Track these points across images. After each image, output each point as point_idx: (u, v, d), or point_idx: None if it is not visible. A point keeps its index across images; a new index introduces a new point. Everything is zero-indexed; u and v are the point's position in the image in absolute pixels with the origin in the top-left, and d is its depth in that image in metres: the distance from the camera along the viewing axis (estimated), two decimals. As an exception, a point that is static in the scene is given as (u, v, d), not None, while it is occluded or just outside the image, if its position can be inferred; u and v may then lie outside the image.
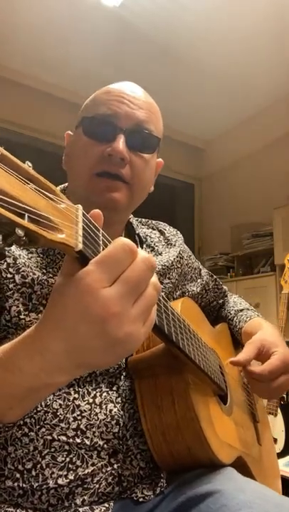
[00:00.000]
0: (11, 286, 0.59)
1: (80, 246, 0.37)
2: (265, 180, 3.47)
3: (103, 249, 0.40)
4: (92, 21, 2.67)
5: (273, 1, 2.48)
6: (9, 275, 0.60)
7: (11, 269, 0.60)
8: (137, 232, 0.82)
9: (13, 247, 0.61)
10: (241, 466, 0.71)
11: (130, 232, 0.81)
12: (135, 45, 2.87)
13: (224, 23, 2.64)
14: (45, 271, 0.63)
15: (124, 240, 0.40)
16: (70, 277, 0.39)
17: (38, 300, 0.61)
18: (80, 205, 0.41)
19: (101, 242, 0.41)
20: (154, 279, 0.42)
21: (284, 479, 0.94)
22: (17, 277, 0.60)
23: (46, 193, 0.36)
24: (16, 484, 0.56)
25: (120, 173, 0.67)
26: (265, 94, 3.37)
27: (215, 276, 1.01)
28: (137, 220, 0.88)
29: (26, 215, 0.32)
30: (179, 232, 0.93)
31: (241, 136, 3.78)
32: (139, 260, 0.40)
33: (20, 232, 0.31)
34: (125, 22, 2.66)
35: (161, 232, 0.89)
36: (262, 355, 0.77)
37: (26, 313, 0.60)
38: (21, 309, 0.60)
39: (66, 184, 0.78)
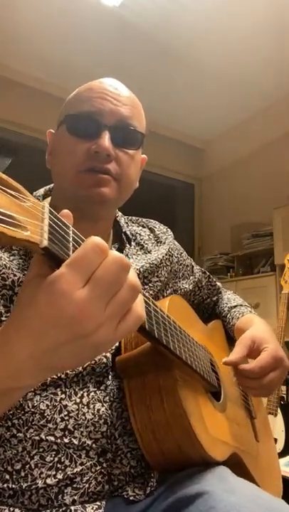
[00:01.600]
0: None
1: (45, 242, 0.35)
2: (265, 180, 3.47)
3: (73, 245, 0.39)
4: (92, 21, 2.67)
5: (273, 0, 2.48)
6: None
7: None
8: (124, 230, 0.81)
9: None
10: (237, 464, 0.71)
11: (117, 231, 0.81)
12: (135, 45, 2.87)
13: (224, 23, 2.64)
14: (26, 272, 0.63)
15: (94, 240, 0.38)
16: (40, 279, 0.38)
17: None
18: (46, 203, 0.40)
19: (71, 239, 0.40)
20: (132, 278, 0.40)
21: (284, 479, 0.94)
22: None
23: (10, 192, 0.35)
24: (5, 485, 0.56)
25: (107, 169, 0.67)
26: (265, 94, 3.37)
27: (208, 273, 1.00)
28: (127, 217, 0.87)
29: None
30: (169, 229, 0.92)
31: (241, 136, 3.78)
32: (111, 261, 0.38)
33: None
34: (125, 22, 2.66)
35: (151, 230, 0.88)
36: (253, 351, 0.77)
37: (8, 314, 0.59)
38: (2, 311, 0.59)
39: (51, 185, 0.78)
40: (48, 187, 0.79)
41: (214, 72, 3.11)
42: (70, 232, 0.41)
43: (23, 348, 0.38)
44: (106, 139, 0.66)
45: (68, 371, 0.60)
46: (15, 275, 0.61)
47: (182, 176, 4.24)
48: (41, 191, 0.78)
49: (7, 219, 0.33)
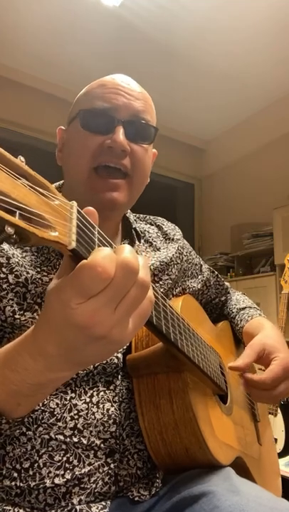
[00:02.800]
0: (4, 286, 0.59)
1: (74, 244, 0.35)
2: (265, 180, 3.47)
3: (98, 246, 0.40)
4: (92, 21, 2.67)
5: (273, 1, 2.48)
6: (2, 275, 0.59)
7: (4, 269, 0.60)
8: (134, 226, 0.81)
9: (6, 247, 0.61)
10: (240, 466, 0.71)
11: (127, 227, 0.80)
12: (135, 45, 2.87)
13: (224, 23, 2.64)
14: (39, 269, 0.63)
15: (96, 263, 0.36)
16: (57, 283, 0.39)
17: (32, 299, 0.61)
18: (74, 202, 0.39)
19: (96, 240, 0.40)
20: (142, 276, 0.40)
21: (284, 479, 0.94)
22: (10, 277, 0.60)
23: (39, 189, 0.35)
24: (13, 483, 0.56)
25: (120, 166, 0.67)
26: (265, 94, 3.37)
27: (216, 273, 0.99)
28: (135, 215, 0.87)
29: (17, 212, 0.30)
30: (177, 227, 0.92)
31: (241, 136, 3.78)
32: (119, 267, 0.38)
33: (10, 229, 0.30)
34: (125, 22, 2.66)
35: (159, 228, 0.88)
36: (262, 359, 0.75)
37: (21, 312, 0.60)
38: (16, 309, 0.60)
39: (62, 182, 0.77)
40: (57, 184, 0.78)
41: (214, 72, 3.11)
42: (96, 233, 0.41)
43: (50, 346, 0.41)
44: (120, 134, 0.65)
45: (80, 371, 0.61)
46: (28, 273, 0.61)
47: (182, 176, 4.24)
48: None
49: (37, 219, 0.32)
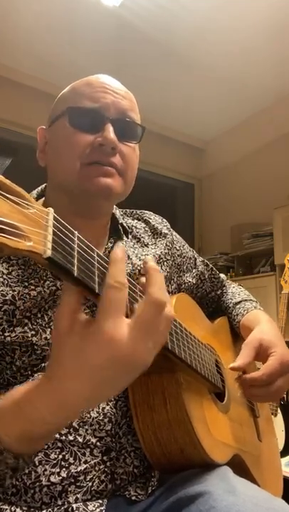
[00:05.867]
0: None
1: (49, 252, 0.34)
2: (265, 180, 3.47)
3: (78, 253, 0.39)
4: (92, 21, 2.67)
5: (273, 1, 2.48)
6: None
7: None
8: (120, 221, 0.80)
9: None
10: (238, 464, 0.71)
11: (113, 223, 0.79)
12: (135, 45, 2.86)
13: (224, 23, 2.64)
14: (26, 283, 0.62)
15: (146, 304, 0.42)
16: (79, 327, 0.41)
17: (22, 314, 0.60)
18: (51, 209, 0.38)
19: (76, 246, 0.39)
20: (169, 311, 0.44)
21: (284, 479, 0.94)
22: None
23: (12, 198, 0.34)
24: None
25: (111, 164, 0.66)
26: (265, 94, 3.37)
27: (211, 266, 0.98)
28: (121, 210, 0.86)
29: None
30: (164, 219, 0.91)
31: (241, 136, 3.78)
32: (148, 302, 0.42)
33: None
34: (125, 22, 2.66)
35: (147, 222, 0.87)
36: (260, 354, 0.75)
37: (11, 329, 0.60)
38: (5, 326, 0.59)
39: (44, 185, 0.76)
40: (39, 188, 0.77)
41: (214, 72, 3.11)
42: (75, 239, 0.40)
43: (79, 396, 0.41)
44: (110, 131, 0.65)
45: None
46: (14, 290, 0.61)
47: (182, 176, 4.24)
48: (34, 194, 0.76)
49: (9, 228, 0.31)
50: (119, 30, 2.73)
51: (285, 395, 2.07)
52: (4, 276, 0.62)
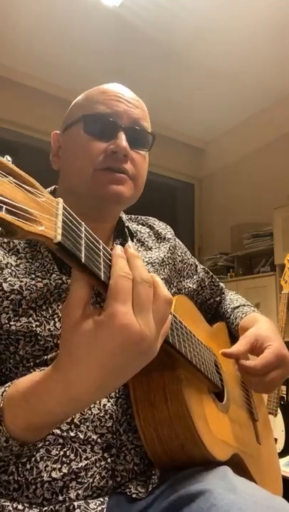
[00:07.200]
0: None
1: (59, 238, 0.36)
2: (265, 180, 3.47)
3: (85, 242, 0.41)
4: (92, 21, 2.67)
5: (273, 1, 2.48)
6: None
7: None
8: (126, 225, 0.82)
9: (0, 256, 0.63)
10: (238, 464, 0.71)
11: (119, 226, 0.82)
12: (135, 45, 2.87)
13: (225, 23, 2.64)
14: (33, 275, 0.64)
15: (121, 270, 0.43)
16: (87, 317, 0.42)
17: (27, 304, 0.62)
18: (60, 199, 0.41)
19: (83, 236, 0.41)
20: (163, 291, 0.45)
21: (284, 479, 0.94)
22: (5, 285, 0.61)
23: (25, 187, 0.36)
24: (11, 478, 0.57)
25: (123, 170, 0.69)
26: (265, 94, 3.37)
27: (211, 273, 1.01)
28: (127, 216, 0.88)
29: (4, 207, 0.32)
30: (168, 226, 0.93)
31: (241, 136, 3.78)
32: (146, 285, 0.43)
33: None
34: (125, 22, 2.66)
35: (151, 227, 0.89)
36: (256, 349, 0.77)
37: (16, 318, 0.61)
38: (11, 315, 0.61)
39: (54, 187, 0.79)
40: (48, 189, 0.79)
41: (215, 72, 3.11)
42: (82, 229, 0.42)
43: (90, 386, 0.42)
44: (123, 140, 0.68)
45: None
46: (21, 281, 0.63)
47: (182, 176, 4.24)
48: None
49: (24, 213, 0.33)
50: (119, 30, 2.73)
51: (285, 395, 2.07)
52: (13, 268, 0.64)
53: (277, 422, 1.96)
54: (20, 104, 3.21)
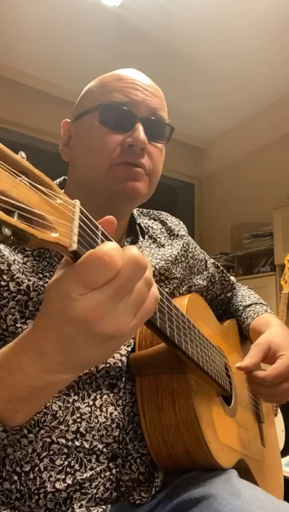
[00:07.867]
0: (5, 294, 0.58)
1: (75, 246, 0.33)
2: (265, 180, 3.47)
3: None
4: (92, 21, 2.66)
5: (273, 1, 2.48)
6: (3, 283, 0.58)
7: (4, 277, 0.58)
8: (137, 222, 0.78)
9: (7, 252, 0.60)
10: (242, 469, 0.70)
11: (131, 222, 0.78)
12: (135, 45, 2.86)
13: (224, 22, 2.64)
14: (41, 275, 0.61)
15: (103, 252, 0.35)
16: (57, 275, 0.37)
17: (34, 306, 0.59)
18: (77, 201, 0.37)
19: (100, 241, 0.38)
20: (147, 273, 0.39)
21: (285, 479, 0.94)
22: (11, 285, 0.58)
23: (40, 188, 0.33)
24: (13, 487, 0.55)
25: (141, 163, 0.65)
26: (265, 94, 3.37)
27: (222, 268, 0.96)
28: (138, 210, 0.85)
29: (16, 212, 0.29)
30: (181, 222, 0.89)
31: (241, 136, 3.78)
32: (126, 263, 0.36)
33: (7, 231, 0.28)
34: (125, 22, 2.66)
35: (163, 223, 0.86)
36: (268, 357, 0.74)
37: (23, 320, 0.58)
38: (18, 317, 0.58)
39: (63, 178, 0.75)
40: (57, 180, 0.75)
41: (215, 72, 3.11)
42: (99, 234, 0.39)
43: (48, 344, 0.38)
44: (141, 132, 0.63)
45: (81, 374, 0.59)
46: (29, 280, 0.59)
47: (182, 176, 4.24)
48: None
49: (37, 219, 0.30)
50: (119, 30, 2.73)
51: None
52: (20, 265, 0.60)
53: (278, 422, 1.96)
54: (21, 104, 3.21)
